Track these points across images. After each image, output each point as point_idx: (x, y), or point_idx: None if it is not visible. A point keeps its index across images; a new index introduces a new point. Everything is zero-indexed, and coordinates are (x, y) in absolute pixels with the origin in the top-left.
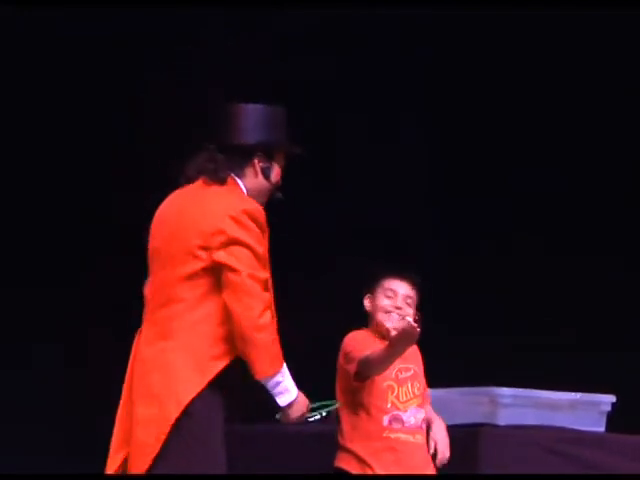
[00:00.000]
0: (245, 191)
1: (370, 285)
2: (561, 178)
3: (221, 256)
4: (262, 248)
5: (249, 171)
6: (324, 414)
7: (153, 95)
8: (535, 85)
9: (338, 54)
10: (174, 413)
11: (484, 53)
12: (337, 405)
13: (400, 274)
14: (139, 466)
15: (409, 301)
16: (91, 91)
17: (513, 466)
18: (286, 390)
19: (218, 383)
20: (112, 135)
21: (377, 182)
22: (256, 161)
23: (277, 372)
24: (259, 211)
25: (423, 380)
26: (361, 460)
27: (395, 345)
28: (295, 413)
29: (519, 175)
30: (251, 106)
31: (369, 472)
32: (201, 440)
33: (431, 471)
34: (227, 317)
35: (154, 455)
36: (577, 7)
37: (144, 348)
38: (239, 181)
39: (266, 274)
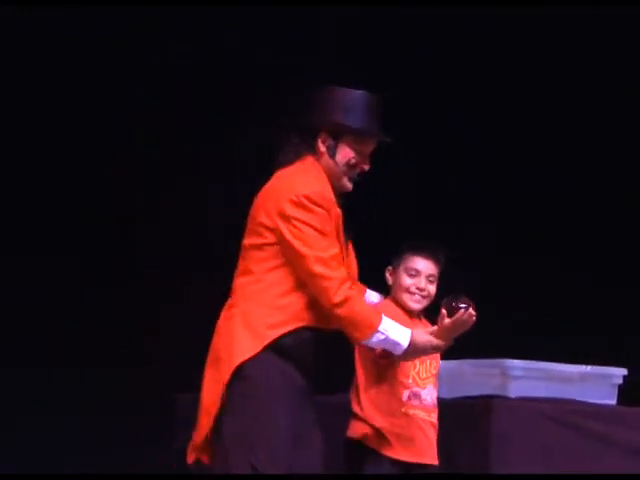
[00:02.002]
0: (325, 171)
1: (393, 258)
2: (561, 178)
3: (288, 238)
4: (329, 226)
5: (320, 152)
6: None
7: (153, 95)
8: (535, 84)
9: (338, 54)
10: (226, 375)
11: (484, 53)
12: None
13: (424, 252)
14: (203, 426)
15: (432, 279)
16: (91, 91)
17: (524, 438)
18: (394, 343)
19: (279, 351)
20: (112, 135)
21: (373, 182)
22: (320, 141)
23: (371, 334)
24: (318, 194)
25: (439, 362)
26: (379, 434)
27: (447, 333)
28: (413, 355)
29: (519, 175)
30: (326, 88)
31: (387, 447)
32: (255, 404)
33: (435, 453)
34: (290, 289)
35: (213, 416)
36: (577, 7)
37: (220, 315)
38: (319, 162)
39: (335, 249)
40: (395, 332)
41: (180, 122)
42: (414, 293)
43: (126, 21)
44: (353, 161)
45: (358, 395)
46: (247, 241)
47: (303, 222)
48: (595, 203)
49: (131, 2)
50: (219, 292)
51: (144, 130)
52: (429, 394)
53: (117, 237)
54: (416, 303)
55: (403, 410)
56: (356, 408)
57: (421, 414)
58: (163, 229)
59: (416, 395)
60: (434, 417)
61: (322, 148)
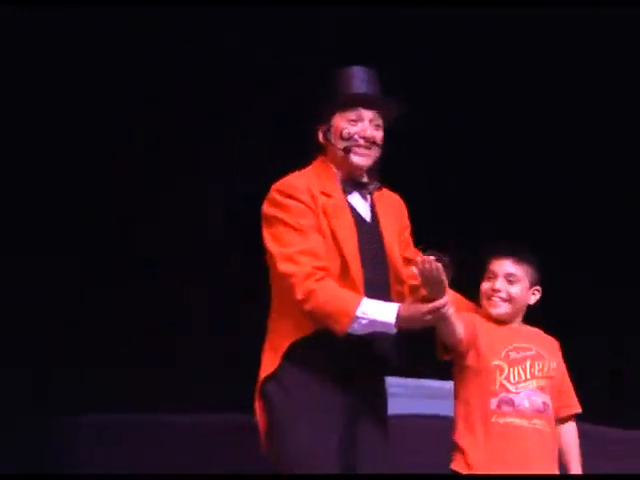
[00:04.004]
0: (335, 166)
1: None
2: (561, 178)
3: (264, 236)
4: (304, 219)
5: (324, 146)
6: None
7: (153, 95)
8: (535, 84)
9: (338, 54)
10: (256, 393)
11: (484, 53)
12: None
13: (501, 253)
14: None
15: (512, 279)
16: (91, 91)
17: (403, 456)
18: (382, 324)
19: (295, 360)
20: (112, 135)
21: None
22: (320, 135)
23: (350, 322)
24: (289, 185)
25: (552, 363)
26: (466, 458)
27: (427, 291)
28: (412, 326)
29: (519, 175)
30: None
31: (479, 467)
32: (275, 423)
33: (551, 463)
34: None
35: (262, 435)
36: (576, 7)
37: None
38: (325, 157)
39: (307, 243)
40: (379, 312)
41: (180, 122)
42: (491, 296)
43: (126, 21)
44: (345, 131)
45: (454, 419)
46: None
47: (274, 217)
48: (595, 203)
49: (131, 2)
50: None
51: (144, 130)
52: (526, 398)
53: (117, 237)
54: (495, 307)
55: (493, 420)
56: (452, 434)
57: (517, 422)
58: (163, 229)
59: (506, 401)
60: (539, 424)
61: (322, 140)
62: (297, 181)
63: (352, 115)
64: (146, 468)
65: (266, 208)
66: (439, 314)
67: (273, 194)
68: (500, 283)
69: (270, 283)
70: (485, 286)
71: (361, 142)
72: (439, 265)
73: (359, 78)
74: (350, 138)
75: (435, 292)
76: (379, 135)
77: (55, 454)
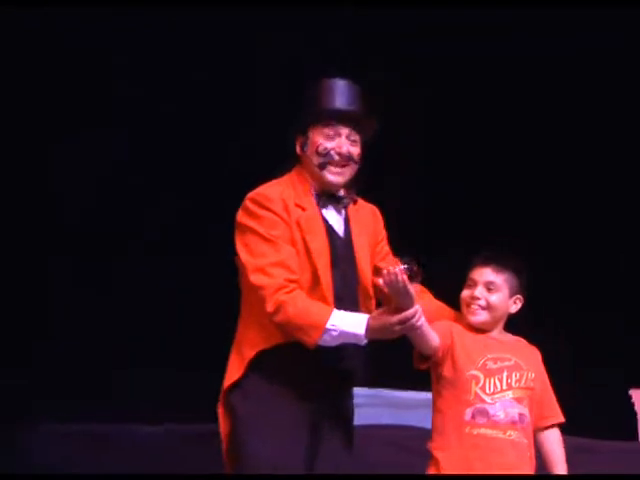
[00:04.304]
0: (310, 177)
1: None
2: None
3: (236, 245)
4: (277, 230)
5: (300, 156)
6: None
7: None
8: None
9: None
10: (220, 400)
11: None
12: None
13: (481, 259)
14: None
15: (492, 287)
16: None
17: (368, 466)
18: (352, 335)
19: (261, 370)
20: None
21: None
22: (297, 146)
23: (320, 335)
24: (263, 195)
25: (530, 374)
26: (439, 469)
27: (395, 301)
28: (376, 336)
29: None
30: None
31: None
32: (238, 435)
33: (529, 473)
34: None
35: (225, 446)
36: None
37: None
38: (301, 167)
39: (279, 255)
40: (348, 324)
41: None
42: (470, 304)
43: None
44: (322, 147)
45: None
46: None
47: (247, 227)
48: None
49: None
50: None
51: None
52: (502, 409)
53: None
54: (473, 315)
55: (467, 431)
56: (428, 443)
57: (490, 433)
58: None
59: (481, 412)
60: (515, 436)
61: (299, 151)
62: (271, 191)
63: (329, 131)
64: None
65: (240, 217)
66: (409, 324)
67: (247, 203)
68: (479, 291)
69: (240, 289)
70: (465, 294)
71: (337, 158)
72: (404, 277)
73: (339, 92)
74: (326, 154)
75: (403, 303)
76: (356, 151)
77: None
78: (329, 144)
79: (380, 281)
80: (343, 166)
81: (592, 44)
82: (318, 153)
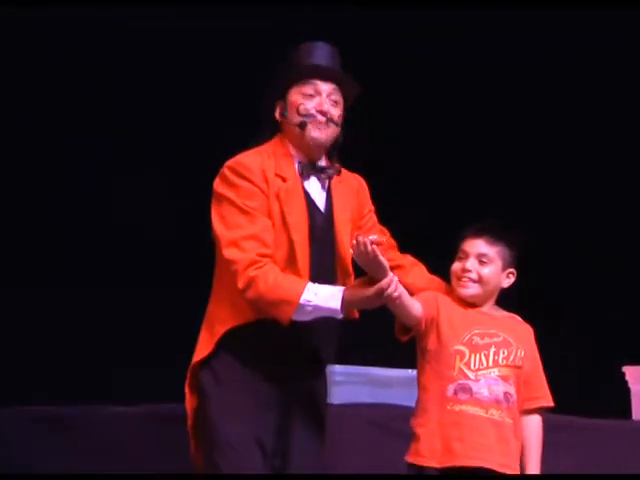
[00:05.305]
0: (292, 145)
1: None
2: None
3: (211, 213)
4: (254, 201)
5: (281, 124)
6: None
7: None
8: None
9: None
10: (188, 374)
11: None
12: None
13: (475, 231)
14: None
15: (484, 259)
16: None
17: (348, 445)
18: (327, 310)
19: (231, 349)
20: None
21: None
22: (277, 113)
23: (293, 310)
24: (242, 164)
25: (520, 351)
26: (420, 446)
27: (368, 271)
28: (353, 308)
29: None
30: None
31: (430, 457)
32: (205, 416)
33: (509, 457)
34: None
35: (190, 422)
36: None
37: None
38: (284, 136)
39: (254, 227)
40: (323, 298)
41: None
42: (460, 277)
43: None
44: (302, 107)
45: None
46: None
47: (224, 197)
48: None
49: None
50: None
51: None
52: (485, 386)
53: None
54: (464, 288)
55: (448, 407)
56: (412, 420)
57: (472, 410)
58: None
59: (464, 388)
60: (498, 414)
61: (279, 117)
62: (251, 161)
63: (309, 89)
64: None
65: (216, 185)
66: (385, 296)
67: (225, 171)
68: (471, 263)
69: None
70: (455, 266)
71: (318, 117)
72: (374, 247)
73: (318, 51)
74: (307, 114)
75: (375, 273)
76: (336, 112)
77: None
78: (309, 103)
79: (351, 251)
80: (324, 124)
81: (592, 44)
82: (298, 113)
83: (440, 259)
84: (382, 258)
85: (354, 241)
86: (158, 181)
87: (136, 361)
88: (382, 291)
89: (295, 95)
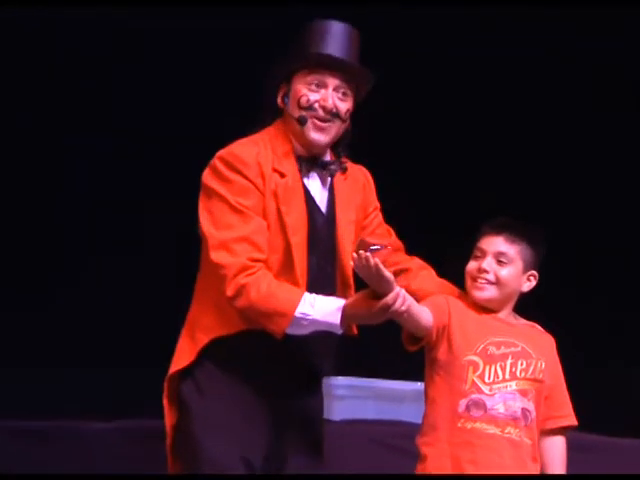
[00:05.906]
0: (292, 135)
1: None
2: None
3: (199, 208)
4: (249, 199)
5: (282, 110)
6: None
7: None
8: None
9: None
10: (165, 384)
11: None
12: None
13: (493, 228)
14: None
15: (503, 259)
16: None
17: (350, 467)
18: (326, 324)
19: (216, 359)
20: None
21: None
22: (279, 96)
23: (288, 323)
24: (236, 156)
25: (540, 363)
26: (427, 467)
27: (371, 285)
28: (354, 323)
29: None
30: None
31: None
32: (188, 432)
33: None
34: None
35: (169, 438)
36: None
37: None
38: (283, 124)
39: (247, 228)
40: (321, 312)
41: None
42: (476, 278)
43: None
44: (303, 98)
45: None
46: None
47: (214, 191)
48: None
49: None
50: None
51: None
52: (501, 402)
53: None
54: (479, 291)
55: (459, 425)
56: (418, 438)
57: (486, 428)
58: None
59: (477, 404)
60: (515, 433)
61: (280, 102)
62: (246, 152)
63: (314, 79)
64: None
65: (206, 177)
66: (392, 312)
67: (216, 162)
68: (488, 263)
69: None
70: (471, 266)
71: (320, 113)
72: (376, 260)
73: (330, 35)
74: (308, 107)
75: (379, 287)
76: (344, 107)
77: None
78: (313, 96)
79: (351, 263)
80: (326, 121)
81: (592, 44)
82: (299, 105)
83: (451, 261)
84: (386, 272)
85: (354, 254)
86: (158, 181)
87: (136, 361)
88: (388, 307)
89: (299, 84)
